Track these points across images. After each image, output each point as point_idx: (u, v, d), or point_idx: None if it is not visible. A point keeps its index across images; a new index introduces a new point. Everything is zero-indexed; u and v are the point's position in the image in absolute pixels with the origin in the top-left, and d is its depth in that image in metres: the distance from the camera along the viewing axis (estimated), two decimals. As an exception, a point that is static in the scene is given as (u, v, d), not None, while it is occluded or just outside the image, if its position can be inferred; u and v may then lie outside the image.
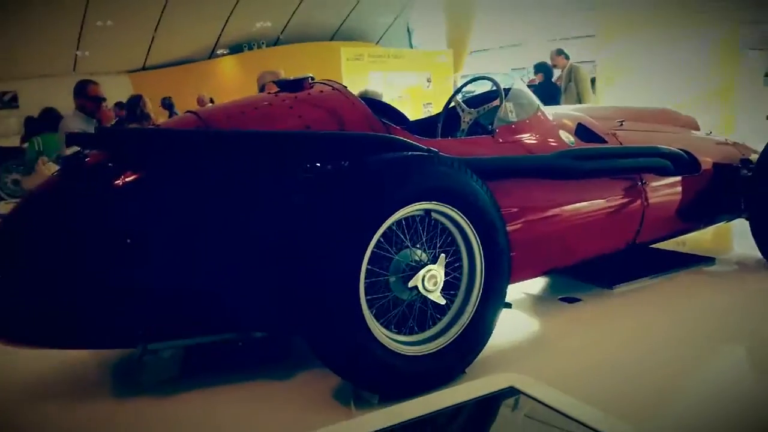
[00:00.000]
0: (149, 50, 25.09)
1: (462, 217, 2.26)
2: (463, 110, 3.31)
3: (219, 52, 26.35)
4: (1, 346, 2.16)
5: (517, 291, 3.31)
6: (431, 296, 2.19)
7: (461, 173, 2.24)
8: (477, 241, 2.30)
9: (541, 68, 8.02)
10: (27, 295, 2.09)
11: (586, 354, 2.61)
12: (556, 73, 7.98)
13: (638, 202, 3.15)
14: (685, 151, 3.43)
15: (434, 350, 2.23)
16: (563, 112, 3.43)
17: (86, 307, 2.12)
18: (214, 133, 2.23)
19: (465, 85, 3.55)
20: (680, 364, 2.48)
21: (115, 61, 24.55)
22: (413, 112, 11.90)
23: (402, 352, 2.15)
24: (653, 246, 3.91)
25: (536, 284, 3.48)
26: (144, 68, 25.73)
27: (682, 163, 3.34)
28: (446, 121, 3.42)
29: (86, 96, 4.74)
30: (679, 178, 3.39)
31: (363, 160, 2.13)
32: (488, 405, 1.71)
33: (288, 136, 2.24)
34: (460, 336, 2.29)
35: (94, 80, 4.88)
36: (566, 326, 2.92)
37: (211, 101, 10.94)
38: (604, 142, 3.22)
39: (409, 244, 2.19)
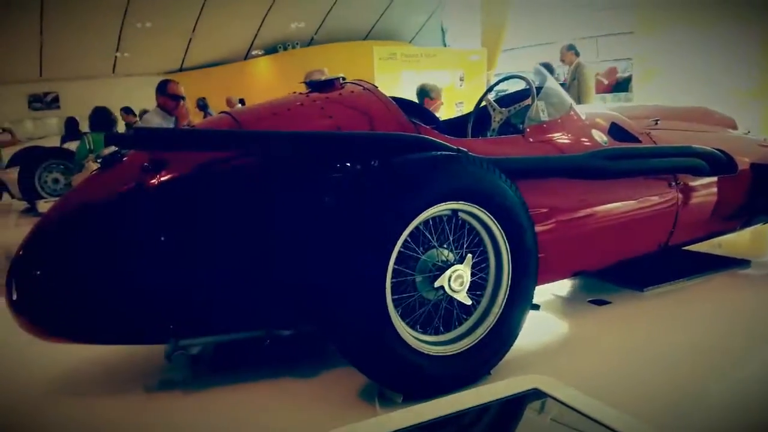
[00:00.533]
0: (186, 52, 25.58)
1: (490, 217, 2.25)
2: (494, 109, 3.29)
3: (254, 52, 26.73)
4: (33, 340, 2.23)
5: (545, 293, 3.27)
6: (457, 296, 2.19)
7: (489, 173, 2.23)
8: (504, 242, 2.29)
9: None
10: (63, 290, 2.16)
11: (614, 357, 2.57)
12: (564, 70, 7.86)
13: (672, 203, 3.09)
14: (722, 151, 3.35)
15: (459, 351, 2.23)
16: (597, 111, 3.38)
17: (120, 302, 2.17)
18: (245, 134, 2.27)
19: (497, 83, 3.52)
20: (711, 368, 2.43)
21: (153, 63, 25.12)
22: (446, 110, 11.86)
23: (427, 352, 2.15)
24: (686, 248, 3.83)
25: (565, 286, 3.44)
26: (181, 69, 26.25)
27: (717, 164, 3.26)
28: (477, 121, 3.40)
29: (165, 93, 4.86)
30: (714, 179, 3.31)
31: (391, 160, 2.14)
32: (512, 407, 1.70)
33: (319, 137, 2.26)
34: (486, 337, 2.28)
35: (174, 79, 4.99)
36: (595, 329, 2.88)
37: (242, 102, 11.07)
38: (638, 141, 3.16)
39: (435, 244, 2.19)
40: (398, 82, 11.11)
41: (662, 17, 7.83)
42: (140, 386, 2.43)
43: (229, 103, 10.60)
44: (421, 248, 2.19)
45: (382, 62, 11.10)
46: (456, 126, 3.39)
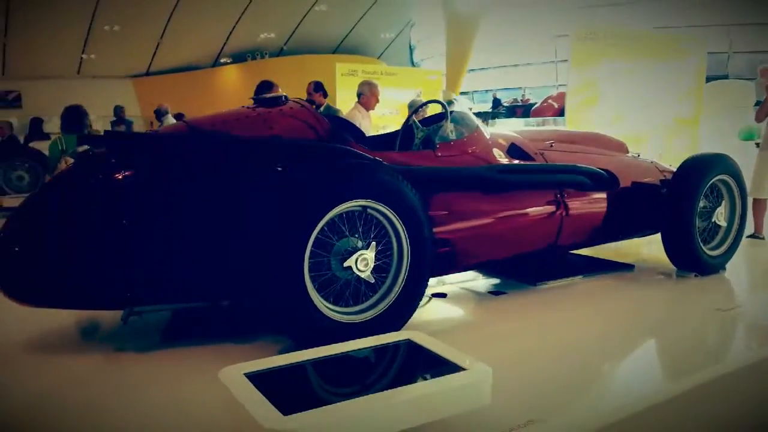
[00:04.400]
0: (154, 56, 25.75)
1: (393, 214, 2.81)
2: (417, 128, 3.88)
3: (222, 60, 27.04)
4: (9, 306, 2.66)
5: (452, 283, 3.85)
6: (362, 275, 2.74)
7: (394, 179, 2.80)
8: (405, 234, 2.85)
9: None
10: (35, 260, 2.62)
11: (505, 338, 3.08)
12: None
13: (557, 211, 3.70)
14: (606, 170, 4.00)
15: (365, 320, 2.78)
16: (502, 133, 3.99)
17: (87, 274, 2.65)
18: (196, 137, 2.79)
19: (420, 107, 4.10)
20: (587, 352, 2.88)
21: (119, 66, 25.22)
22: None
23: (338, 320, 2.69)
24: (580, 252, 4.46)
25: (469, 279, 4.00)
26: (148, 73, 26.37)
27: (600, 180, 3.89)
28: (404, 137, 3.98)
29: (324, 92, 5.42)
30: (598, 194, 3.95)
31: (314, 164, 2.69)
32: (390, 351, 2.25)
33: (263, 142, 2.80)
34: (388, 310, 2.83)
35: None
36: (490, 315, 3.44)
37: (181, 116, 11.19)
38: (532, 160, 3.78)
39: (347, 233, 2.74)
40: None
41: (596, 50, 8.54)
42: (96, 347, 2.90)
43: (159, 112, 10.75)
44: (336, 237, 2.74)
45: (344, 78, 11.67)
46: (387, 140, 3.97)
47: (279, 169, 2.74)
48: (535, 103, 17.31)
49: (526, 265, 3.91)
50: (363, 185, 2.71)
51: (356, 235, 2.78)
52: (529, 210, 3.59)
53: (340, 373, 2.11)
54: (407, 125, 3.97)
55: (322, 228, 2.66)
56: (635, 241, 4.79)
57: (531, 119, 15.61)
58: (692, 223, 3.93)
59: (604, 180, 3.92)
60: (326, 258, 2.71)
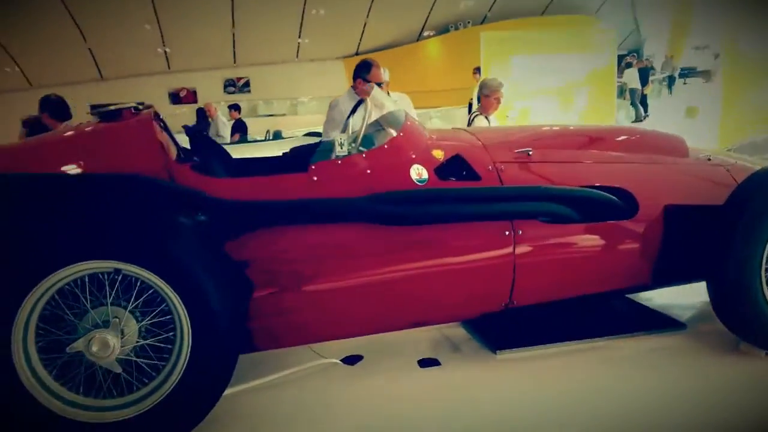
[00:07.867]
0: (362, 37, 26.65)
1: (159, 279, 2.05)
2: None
3: (426, 34, 26.97)
4: None
5: (383, 342, 2.88)
6: (101, 362, 2.03)
7: (157, 229, 2.03)
8: (180, 303, 2.07)
9: None
10: None
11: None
12: None
13: (504, 256, 2.51)
14: (620, 189, 2.66)
15: (124, 418, 2.07)
16: (453, 138, 2.84)
17: None
18: None
19: (357, 105, 3.11)
20: None
21: (331, 48, 26.65)
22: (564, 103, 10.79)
23: (72, 417, 2.03)
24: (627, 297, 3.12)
25: (411, 336, 2.93)
26: (357, 53, 27.45)
27: (593, 207, 2.58)
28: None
29: (365, 78, 4.26)
30: (590, 226, 2.62)
31: (46, 213, 2.02)
32: None
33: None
34: (159, 406, 2.08)
35: (376, 62, 4.40)
36: (387, 398, 2.46)
37: (237, 108, 10.46)
38: (478, 179, 2.61)
39: (88, 307, 2.05)
40: (510, 68, 10.30)
41: None
42: None
43: (208, 111, 10.23)
44: (88, 306, 2.06)
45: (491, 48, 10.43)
46: (303, 154, 3.08)
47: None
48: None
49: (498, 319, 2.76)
50: (95, 241, 1.99)
51: (123, 305, 2.08)
52: (450, 257, 2.48)
53: None
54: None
55: (53, 297, 2.01)
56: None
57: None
58: (750, 269, 2.43)
59: (604, 206, 2.60)
60: (61, 336, 2.05)
